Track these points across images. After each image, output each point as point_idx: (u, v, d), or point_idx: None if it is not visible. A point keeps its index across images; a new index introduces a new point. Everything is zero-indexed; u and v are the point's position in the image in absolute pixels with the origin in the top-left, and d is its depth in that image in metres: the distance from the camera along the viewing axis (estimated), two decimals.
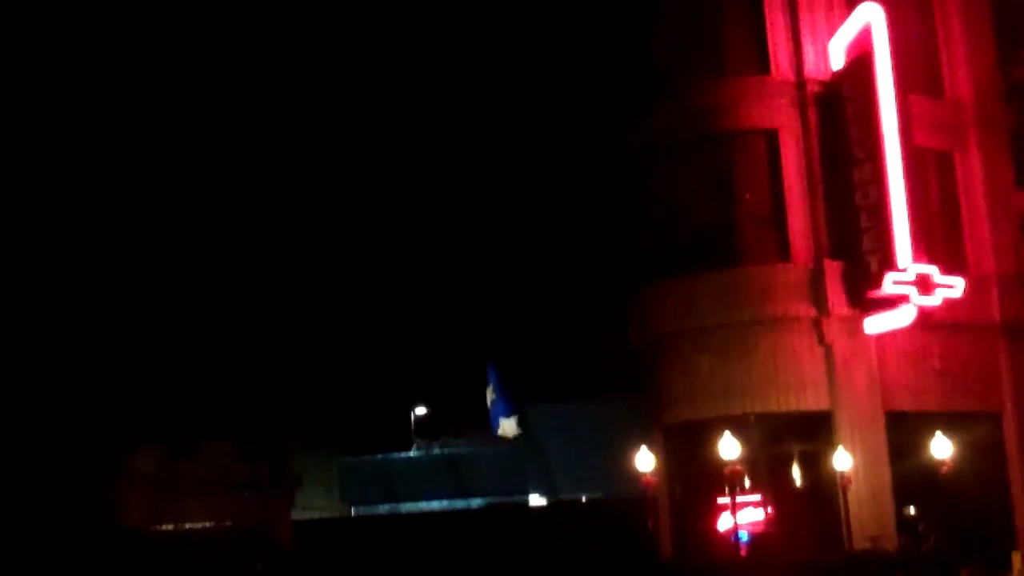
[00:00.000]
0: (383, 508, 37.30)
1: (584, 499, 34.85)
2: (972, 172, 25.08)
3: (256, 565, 25.19)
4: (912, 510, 23.30)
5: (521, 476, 39.38)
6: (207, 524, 29.49)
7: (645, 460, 20.93)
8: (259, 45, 38.54)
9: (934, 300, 22.31)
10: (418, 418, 46.65)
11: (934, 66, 25.24)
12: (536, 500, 38.03)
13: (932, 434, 22.56)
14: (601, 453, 33.59)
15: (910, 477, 22.72)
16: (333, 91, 41.19)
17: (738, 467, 19.68)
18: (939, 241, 24.00)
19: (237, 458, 32.45)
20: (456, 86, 38.74)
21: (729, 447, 19.43)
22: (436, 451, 43.68)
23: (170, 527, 29.31)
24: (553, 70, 30.12)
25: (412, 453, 43.85)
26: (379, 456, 41.98)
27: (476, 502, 38.34)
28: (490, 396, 50.51)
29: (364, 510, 38.51)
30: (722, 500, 22.71)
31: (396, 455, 43.14)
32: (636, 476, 26.62)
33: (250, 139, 37.48)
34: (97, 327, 31.39)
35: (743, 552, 22.21)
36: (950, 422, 22.89)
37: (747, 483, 22.59)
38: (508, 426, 49.41)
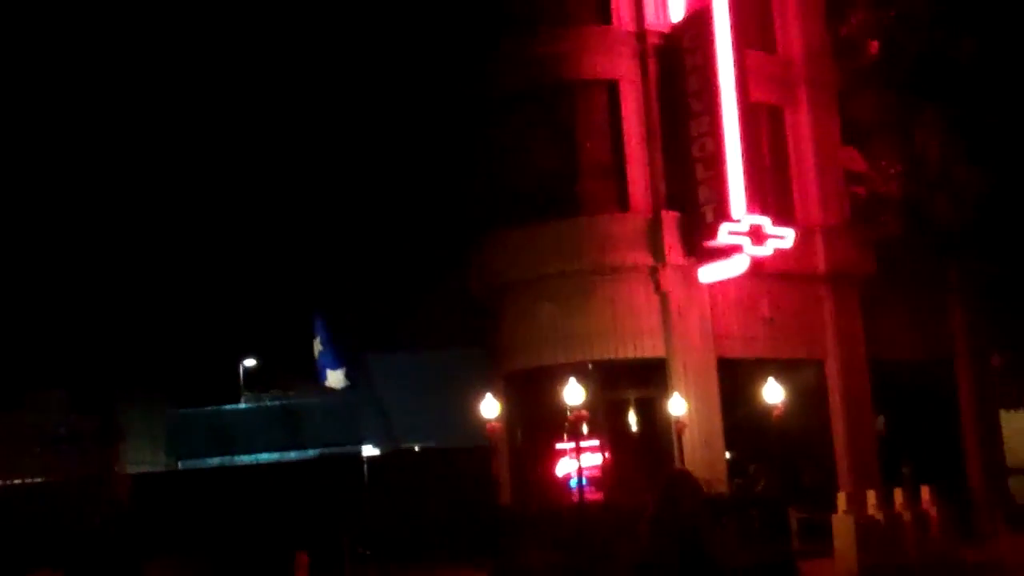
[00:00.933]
0: (213, 461, 36.64)
1: (418, 448, 34.95)
2: (801, 127, 25.83)
3: (94, 519, 24.45)
4: (735, 456, 24.00)
5: (355, 426, 39.30)
6: (38, 479, 28.51)
7: (490, 407, 21.04)
8: None
9: (766, 250, 22.99)
10: (247, 369, 45.96)
11: (767, 22, 25.82)
12: (370, 450, 37.97)
13: (761, 381, 23.30)
14: (440, 402, 33.79)
15: (741, 422, 23.46)
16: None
17: (582, 412, 19.95)
18: (770, 193, 24.64)
19: (68, 410, 31.47)
20: (300, 24, 37.85)
21: (573, 393, 19.69)
22: (267, 403, 43.20)
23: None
24: (398, 11, 29.64)
25: (242, 405, 43.27)
26: (208, 408, 41.23)
27: (310, 453, 38.09)
28: (317, 347, 50.11)
29: (193, 464, 37.84)
30: (560, 446, 23.17)
31: (226, 407, 42.49)
32: (476, 424, 26.85)
33: None
34: None
35: (576, 497, 22.67)
36: (778, 369, 23.65)
37: (585, 429, 22.96)
38: (335, 378, 49.06)
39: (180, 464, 38.20)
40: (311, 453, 38.36)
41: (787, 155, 25.74)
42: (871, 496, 21.00)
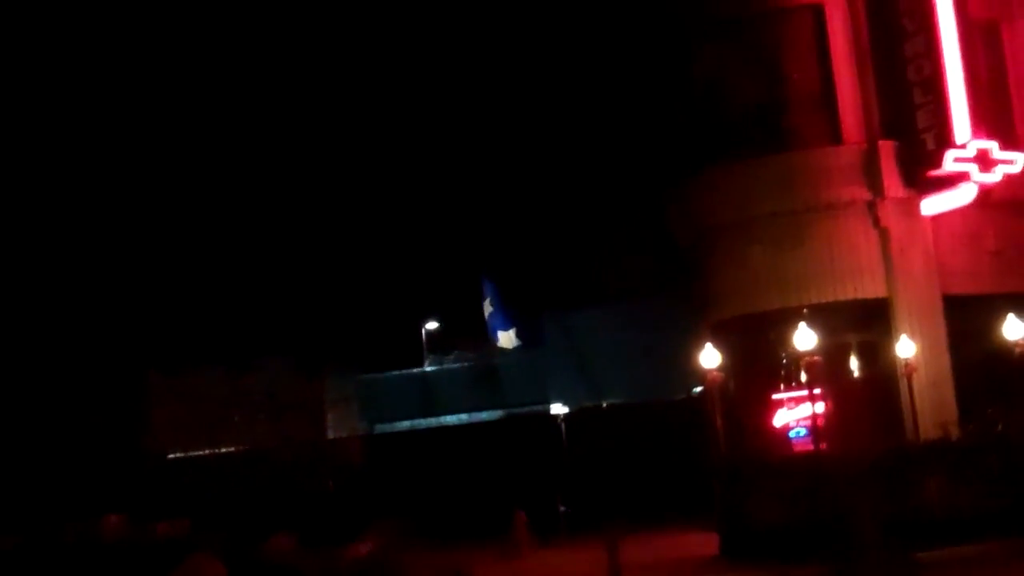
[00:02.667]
0: (403, 425, 36.52)
1: (606, 404, 34.21)
2: (1020, 42, 23.93)
3: (328, 482, 24.52)
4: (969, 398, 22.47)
5: (541, 385, 38.67)
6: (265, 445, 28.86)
7: (710, 356, 20.03)
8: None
9: (994, 177, 21.33)
10: (429, 332, 45.80)
11: None
12: (559, 408, 37.33)
13: (989, 317, 21.83)
14: (632, 356, 32.93)
15: (971, 362, 21.91)
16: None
17: (815, 358, 18.80)
18: (991, 116, 22.87)
19: (292, 377, 31.72)
20: None
21: (805, 338, 18.54)
22: (450, 364, 42.95)
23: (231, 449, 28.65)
24: None
25: (427, 368, 43.11)
26: (395, 373, 41.18)
27: (498, 414, 37.71)
28: (488, 308, 49.77)
29: (385, 428, 37.82)
30: (778, 396, 22.08)
31: (412, 371, 42.39)
32: (676, 376, 25.90)
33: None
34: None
35: (798, 447, 21.63)
36: (1007, 304, 22.10)
37: (803, 377, 21.83)
38: (506, 338, 48.73)
39: (375, 428, 38.19)
40: (498, 414, 37.99)
41: (1006, 74, 23.84)
42: None
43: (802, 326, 18.70)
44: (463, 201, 43.65)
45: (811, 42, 22.68)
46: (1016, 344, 20.30)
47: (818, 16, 22.64)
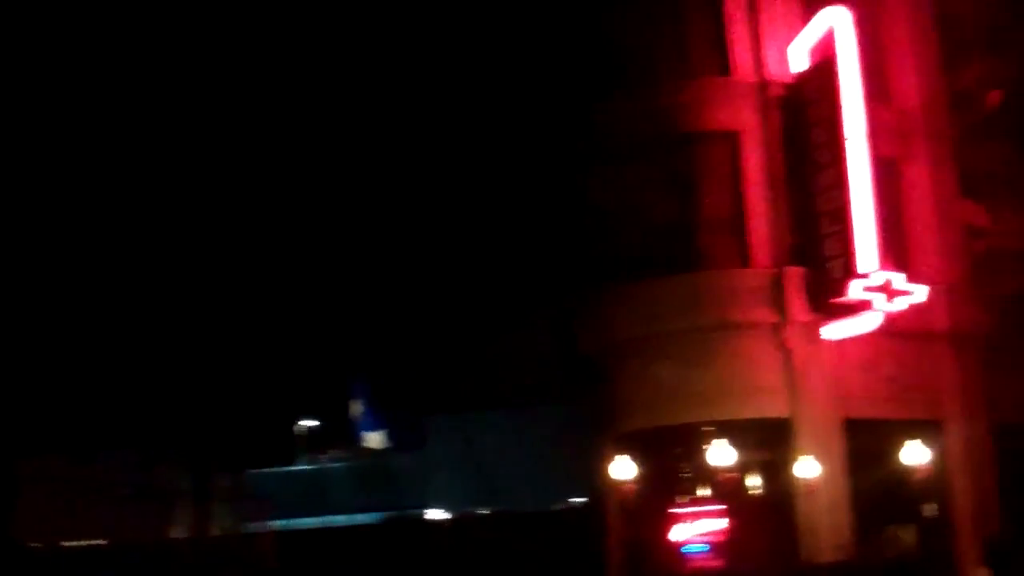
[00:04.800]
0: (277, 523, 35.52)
1: (489, 512, 33.89)
2: (919, 180, 24.97)
3: None
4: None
5: (419, 489, 38.19)
6: (170, 538, 27.64)
7: (622, 468, 20.06)
8: None
9: (897, 306, 22.04)
10: (302, 431, 44.98)
11: (882, 73, 25.04)
12: (436, 514, 36.86)
13: (885, 442, 22.51)
14: (514, 464, 32.81)
15: (867, 485, 22.39)
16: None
17: (731, 475, 18.97)
18: (893, 249, 23.74)
19: (142, 468, 30.59)
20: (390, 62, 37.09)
21: (722, 454, 18.71)
22: (327, 464, 42.17)
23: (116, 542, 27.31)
24: (499, 58, 28.93)
25: (303, 467, 42.25)
26: (274, 470, 40.23)
27: (375, 516, 36.99)
28: (357, 409, 49.29)
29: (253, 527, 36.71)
30: (675, 510, 22.19)
31: (280, 470, 41.44)
32: (558, 486, 25.87)
33: None
34: None
35: (695, 564, 21.71)
36: (902, 429, 22.80)
37: (706, 492, 22.05)
38: (375, 439, 48.30)
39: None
40: (383, 516, 37.27)
41: (904, 210, 24.86)
42: None
43: (721, 442, 18.93)
44: (343, 297, 43.26)
45: (725, 167, 23.33)
46: (916, 469, 20.83)
47: (733, 143, 23.34)
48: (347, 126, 38.41)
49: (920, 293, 22.32)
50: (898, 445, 21.88)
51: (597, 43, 24.49)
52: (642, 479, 22.00)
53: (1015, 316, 24.58)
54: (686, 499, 22.12)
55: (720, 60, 23.66)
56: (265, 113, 35.86)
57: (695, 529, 21.47)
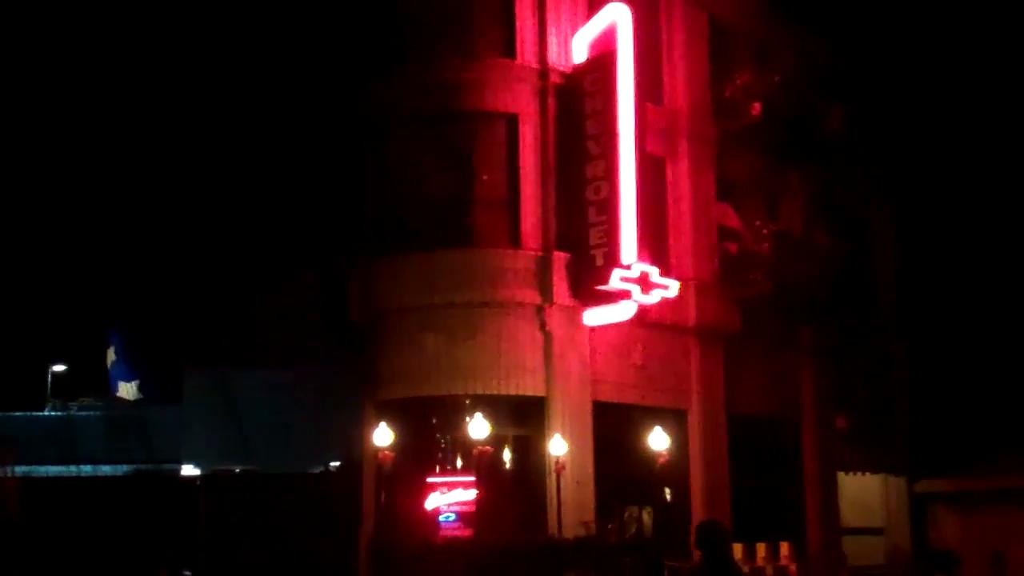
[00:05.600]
0: (41, 470, 34.42)
1: (240, 470, 33.74)
2: (680, 179, 26.42)
3: None
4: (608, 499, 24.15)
5: (172, 443, 37.57)
6: None
7: (382, 435, 20.52)
8: None
9: (652, 299, 23.27)
10: (55, 375, 43.59)
11: (656, 74, 26.24)
12: (190, 470, 36.40)
13: (631, 426, 23.82)
14: (276, 424, 32.68)
15: (613, 466, 23.65)
16: None
17: (486, 448, 19.69)
18: (653, 243, 24.95)
19: None
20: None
21: (478, 427, 19.43)
22: (75, 411, 40.91)
23: None
24: (283, 17, 28.76)
25: (50, 412, 40.87)
26: (31, 414, 38.82)
27: (123, 469, 36.28)
28: (111, 358, 48.14)
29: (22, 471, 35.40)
30: (432, 479, 22.81)
31: (33, 414, 40.03)
32: (319, 448, 26.28)
33: None
34: None
35: (446, 533, 22.37)
36: (647, 415, 24.16)
37: (459, 463, 22.79)
38: (127, 390, 47.31)
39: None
40: (124, 469, 36.55)
41: (666, 208, 26.21)
42: (736, 550, 21.45)
43: (477, 416, 19.64)
44: (104, 243, 42.21)
45: (502, 149, 23.98)
46: (659, 454, 22.11)
47: (511, 125, 23.97)
48: (124, 81, 37.58)
49: (673, 288, 23.65)
50: (644, 430, 23.13)
51: (383, 17, 24.71)
52: (401, 447, 22.49)
53: (754, 316, 26.39)
54: (446, 469, 22.77)
55: (504, 43, 24.25)
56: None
57: (448, 498, 22.12)
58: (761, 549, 23.96)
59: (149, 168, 39.05)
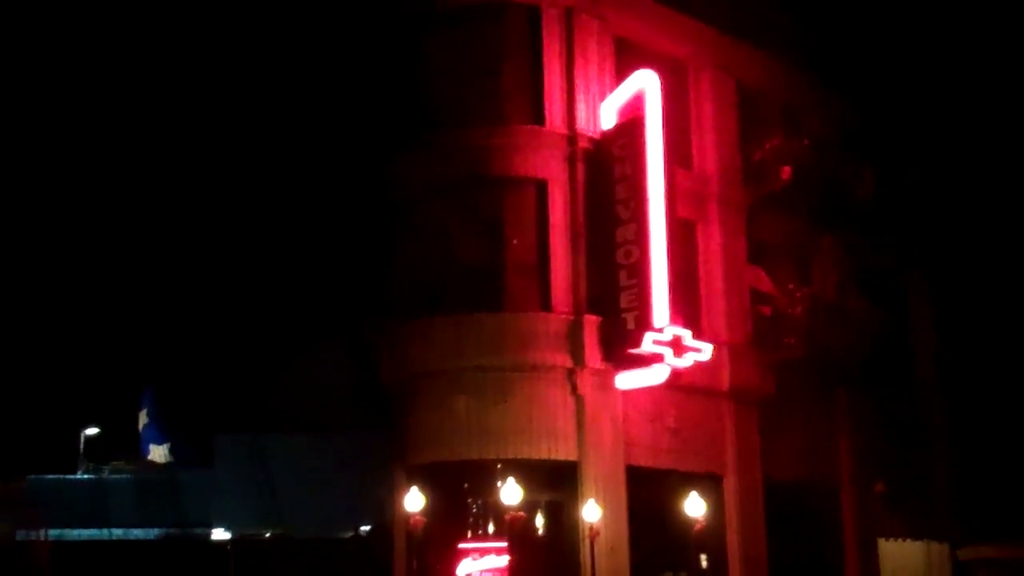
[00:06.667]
0: (73, 533, 34.47)
1: (270, 535, 33.70)
2: (711, 243, 26.42)
3: None
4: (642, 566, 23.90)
5: (204, 507, 37.58)
6: None
7: (414, 500, 20.43)
8: None
9: (685, 362, 23.16)
10: (87, 438, 43.71)
11: (685, 139, 26.37)
12: (220, 534, 36.35)
13: (664, 491, 23.63)
14: (314, 489, 32.67)
15: (646, 531, 23.43)
16: None
17: (519, 513, 19.56)
18: (685, 307, 24.88)
19: None
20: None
21: (511, 492, 19.30)
22: (108, 475, 40.98)
23: None
24: (313, 91, 29.13)
25: (81, 475, 40.96)
26: (66, 477, 38.96)
27: (154, 532, 36.28)
28: (143, 420, 48.30)
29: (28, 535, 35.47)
30: (463, 545, 22.66)
31: (60, 477, 40.13)
32: (346, 513, 26.15)
33: None
34: None
35: None
36: (680, 480, 23.96)
37: (491, 529, 22.65)
38: (159, 453, 47.40)
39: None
40: (155, 532, 36.56)
41: (697, 270, 26.20)
42: None
43: (509, 480, 19.54)
44: (135, 306, 42.51)
45: (531, 213, 24.05)
46: (694, 520, 21.90)
47: (540, 190, 24.08)
48: (155, 140, 38.04)
49: (707, 351, 23.53)
50: (679, 495, 22.91)
51: (411, 85, 24.96)
52: (432, 512, 22.38)
53: (789, 380, 26.22)
54: (477, 534, 22.63)
55: (533, 110, 24.39)
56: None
57: (480, 565, 21.96)
58: None
59: (181, 232, 39.36)
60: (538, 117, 24.44)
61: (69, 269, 40.71)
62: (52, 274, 40.91)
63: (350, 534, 31.62)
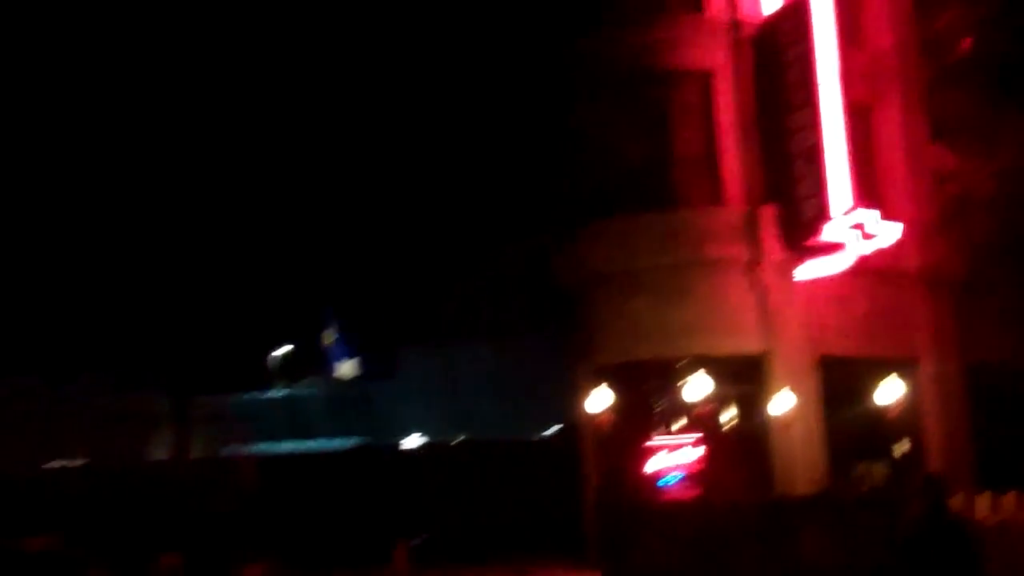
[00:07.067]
0: (278, 447, 36.09)
1: (457, 441, 34.51)
2: (890, 124, 25.39)
3: (219, 503, 23.98)
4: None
5: (395, 417, 38.76)
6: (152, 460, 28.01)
7: (599, 400, 20.60)
8: None
9: (870, 247, 22.55)
10: (278, 357, 45.46)
11: (856, 16, 25.31)
12: (411, 442, 37.44)
13: (856, 379, 23.14)
14: (496, 395, 33.39)
15: (841, 421, 23.06)
16: None
17: (708, 407, 19.55)
18: (865, 191, 24.16)
19: (124, 389, 30.96)
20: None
21: (698, 387, 19.29)
22: (301, 391, 42.66)
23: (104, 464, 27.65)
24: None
25: (275, 393, 42.75)
26: (244, 396, 40.67)
27: (350, 442, 37.60)
28: (329, 337, 49.81)
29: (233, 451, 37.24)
30: (653, 442, 22.79)
31: (260, 395, 41.94)
32: (542, 416, 26.34)
33: None
34: None
35: (671, 494, 22.31)
36: (873, 367, 23.42)
37: (682, 424, 22.69)
38: (346, 368, 48.92)
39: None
40: (348, 443, 37.88)
41: (875, 153, 25.32)
42: (982, 500, 20.58)
43: (697, 375, 19.48)
44: (319, 225, 43.44)
45: (698, 106, 23.68)
46: (889, 407, 21.49)
47: (706, 83, 23.63)
48: (329, 58, 38.48)
49: (893, 232, 22.81)
50: (872, 383, 22.48)
51: None
52: (618, 411, 22.54)
53: (987, 261, 25.16)
54: (662, 431, 22.71)
55: None
56: (250, 55, 35.95)
57: (671, 460, 22.08)
58: (1011, 499, 22.93)
59: (360, 150, 39.94)
60: (698, 5, 23.89)
61: (254, 198, 41.78)
62: (239, 200, 42.02)
63: (537, 436, 32.19)
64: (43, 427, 31.84)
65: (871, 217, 22.39)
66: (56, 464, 30.63)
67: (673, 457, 21.68)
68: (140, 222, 35.38)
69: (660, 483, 22.52)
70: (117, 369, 33.83)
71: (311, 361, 48.37)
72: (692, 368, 22.30)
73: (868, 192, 23.60)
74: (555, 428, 31.54)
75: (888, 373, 22.86)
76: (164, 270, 36.40)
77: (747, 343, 22.85)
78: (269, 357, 45.64)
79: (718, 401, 22.48)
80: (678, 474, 21.96)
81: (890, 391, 21.66)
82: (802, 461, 22.06)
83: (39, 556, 18.71)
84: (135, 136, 34.27)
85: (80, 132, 34.04)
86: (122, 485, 25.41)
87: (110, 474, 27.02)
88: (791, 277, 23.02)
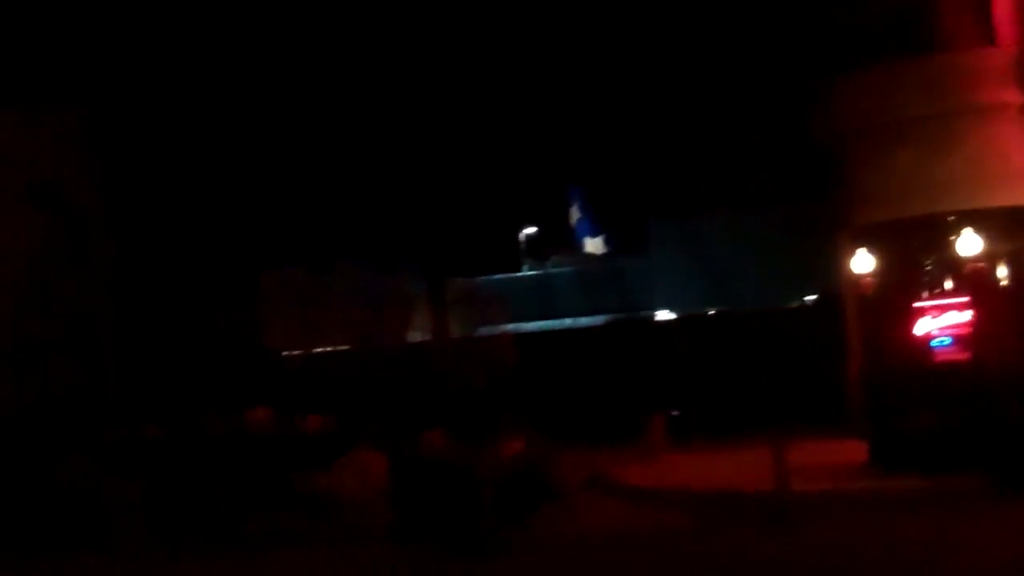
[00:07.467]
0: (529, 326, 36.60)
1: (713, 312, 33.96)
2: None
3: (477, 380, 24.62)
4: None
5: (646, 292, 38.51)
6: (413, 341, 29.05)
7: (863, 262, 19.64)
8: None
9: None
10: (527, 237, 45.80)
11: None
12: (664, 316, 37.15)
13: None
14: (747, 265, 32.62)
15: None
16: None
17: (979, 266, 18.35)
18: None
19: (383, 275, 31.97)
20: None
21: (968, 245, 18.11)
22: (550, 269, 42.88)
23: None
24: None
25: (525, 272, 43.14)
26: (495, 277, 41.22)
27: (601, 319, 37.63)
28: (574, 215, 49.71)
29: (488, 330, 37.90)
30: (920, 304, 21.63)
31: (508, 276, 42.41)
32: (798, 283, 25.40)
33: None
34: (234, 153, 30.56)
35: (941, 357, 21.21)
36: None
37: (951, 284, 21.43)
38: (593, 245, 48.79)
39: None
40: (601, 319, 37.92)
41: None
42: None
43: (966, 232, 18.26)
44: (560, 104, 43.04)
45: None
46: None
47: None
48: None
49: None
50: None
51: None
52: (882, 273, 21.47)
53: None
54: (930, 291, 21.52)
55: None
56: None
57: (940, 322, 20.93)
58: None
59: (602, 27, 39.18)
60: None
61: (498, 77, 41.71)
62: (484, 86, 42.09)
63: (795, 304, 31.32)
64: (310, 314, 33.16)
65: None
66: (324, 349, 31.96)
67: (940, 320, 20.49)
68: (392, 119, 36.04)
69: (931, 345, 21.39)
70: (376, 257, 34.87)
71: (559, 240, 48.53)
72: (961, 225, 20.93)
73: None
74: (812, 296, 30.57)
75: None
76: (416, 160, 37.05)
77: (1021, 195, 21.24)
78: (519, 235, 46.02)
79: (989, 258, 21.05)
80: (947, 337, 20.77)
81: None
82: None
83: (316, 435, 19.52)
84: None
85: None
86: (385, 366, 26.21)
87: (374, 356, 27.94)
88: None
